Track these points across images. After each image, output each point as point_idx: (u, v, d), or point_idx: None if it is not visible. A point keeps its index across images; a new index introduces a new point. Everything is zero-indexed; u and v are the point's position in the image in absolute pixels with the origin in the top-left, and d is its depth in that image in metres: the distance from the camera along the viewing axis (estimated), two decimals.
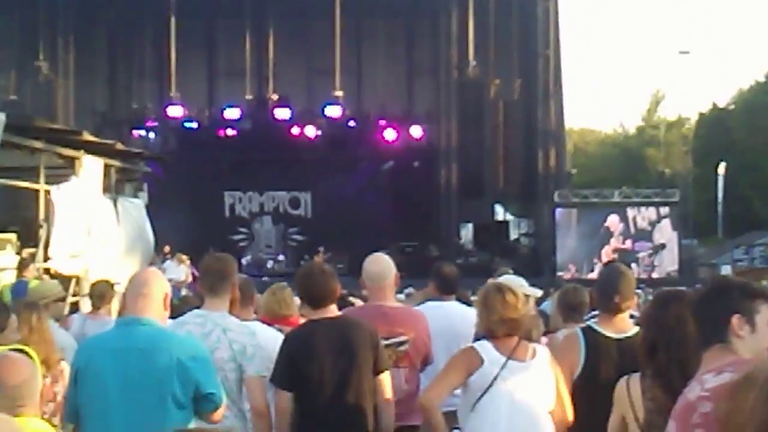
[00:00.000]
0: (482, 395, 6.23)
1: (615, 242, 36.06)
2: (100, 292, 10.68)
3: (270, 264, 36.73)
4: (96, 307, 10.68)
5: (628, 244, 36.04)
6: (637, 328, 6.31)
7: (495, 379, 6.21)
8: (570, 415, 6.33)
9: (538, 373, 6.25)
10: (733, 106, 68.29)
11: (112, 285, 11.14)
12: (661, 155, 58.17)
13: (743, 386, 2.42)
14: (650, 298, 13.71)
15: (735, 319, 3.95)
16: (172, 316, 8.26)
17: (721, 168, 49.71)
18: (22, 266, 15.06)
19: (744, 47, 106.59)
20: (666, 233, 36.39)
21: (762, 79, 65.50)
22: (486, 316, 6.37)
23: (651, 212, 36.51)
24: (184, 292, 18.67)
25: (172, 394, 5.60)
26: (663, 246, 36.22)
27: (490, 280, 7.34)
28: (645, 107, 79.20)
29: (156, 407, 5.58)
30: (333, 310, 6.74)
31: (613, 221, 36.24)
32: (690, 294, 5.49)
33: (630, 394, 5.30)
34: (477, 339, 6.65)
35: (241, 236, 39.03)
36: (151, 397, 5.59)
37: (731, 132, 62.11)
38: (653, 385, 5.18)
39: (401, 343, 7.18)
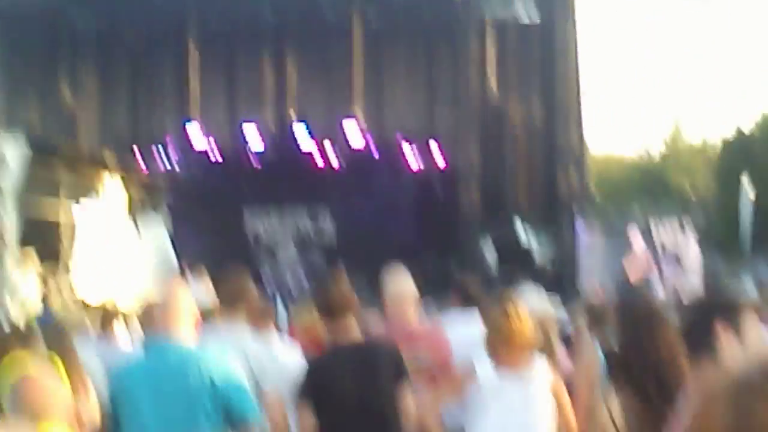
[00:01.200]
0: (478, 409, 6.23)
1: (642, 262, 35.86)
2: (103, 318, 10.48)
3: (292, 286, 36.65)
4: (104, 331, 10.38)
5: (655, 265, 35.86)
6: None
7: (491, 393, 6.21)
8: (573, 424, 6.32)
9: (535, 388, 6.23)
10: (756, 131, 67.99)
11: (114, 308, 10.98)
12: (686, 180, 57.97)
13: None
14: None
15: (718, 324, 3.90)
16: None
17: (745, 180, 49.03)
18: (50, 294, 15.07)
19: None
20: (693, 253, 36.23)
21: None
22: (489, 336, 6.38)
23: (679, 234, 36.31)
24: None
25: (205, 414, 5.59)
26: (694, 268, 36.05)
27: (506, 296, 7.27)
28: (668, 132, 79.04)
29: (190, 428, 5.54)
30: (351, 322, 6.67)
31: (638, 241, 36.07)
32: (654, 302, 5.45)
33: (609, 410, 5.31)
34: None
35: (263, 261, 38.97)
36: (184, 418, 5.57)
37: (756, 158, 61.79)
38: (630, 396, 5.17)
39: (424, 363, 7.14)
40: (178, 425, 5.57)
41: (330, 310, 6.55)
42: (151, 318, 5.94)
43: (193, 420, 5.57)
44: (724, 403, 1.69)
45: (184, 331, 5.77)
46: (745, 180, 47.19)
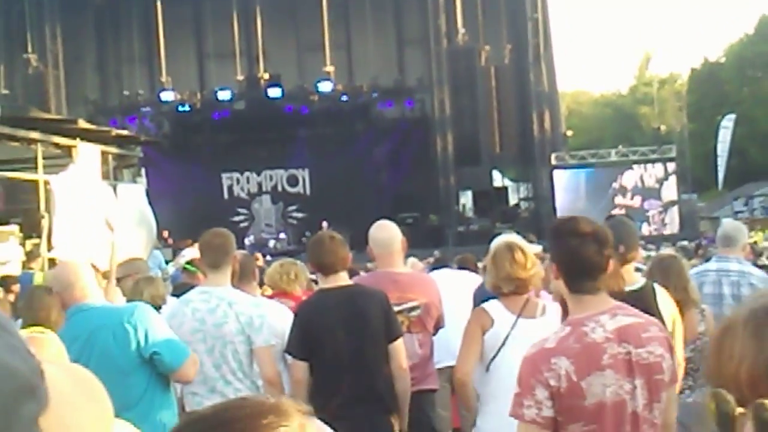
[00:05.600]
0: (495, 355, 6.18)
1: (623, 200, 36.10)
2: None
3: (272, 243, 36.67)
4: None
5: (637, 201, 36.09)
6: (644, 281, 6.26)
7: (506, 338, 6.15)
8: None
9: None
10: (724, 60, 68.24)
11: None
12: (655, 112, 58.08)
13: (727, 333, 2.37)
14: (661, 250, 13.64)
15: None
16: (176, 294, 8.31)
17: (728, 120, 49.19)
18: (30, 258, 15.06)
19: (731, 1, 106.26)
20: (673, 190, 36.46)
21: (751, 32, 65.45)
22: (495, 274, 6.29)
23: (658, 169, 36.53)
24: None
25: (133, 368, 5.74)
26: (673, 203, 36.28)
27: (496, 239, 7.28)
28: (636, 66, 79.25)
29: (121, 384, 5.63)
30: (344, 278, 6.72)
31: (628, 179, 36.31)
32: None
33: None
34: (484, 299, 6.60)
35: (241, 217, 39.02)
36: (114, 376, 5.63)
37: (723, 85, 62.10)
38: None
39: (413, 309, 7.16)
40: (109, 383, 5.70)
41: (325, 269, 6.61)
42: (68, 293, 5.99)
43: (123, 377, 5.70)
44: (743, 330, 1.76)
45: (99, 297, 5.94)
46: (727, 120, 47.19)
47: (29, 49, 37.55)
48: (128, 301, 7.29)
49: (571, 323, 4.19)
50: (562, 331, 4.18)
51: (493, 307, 6.25)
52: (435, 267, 10.41)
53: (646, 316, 4.26)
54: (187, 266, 9.81)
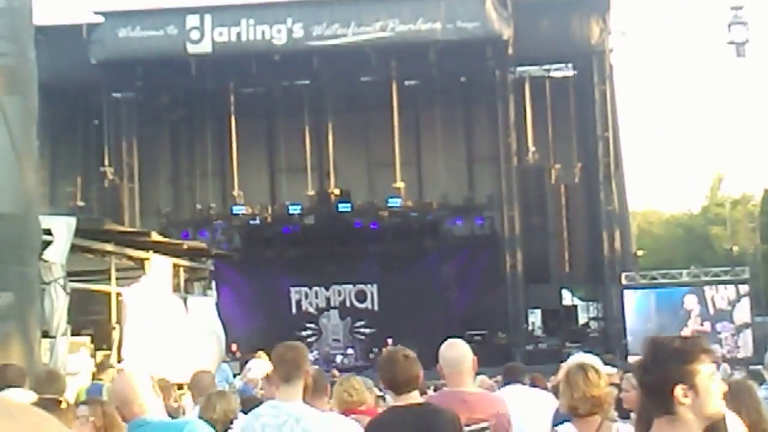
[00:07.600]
0: None
1: (693, 323, 35.60)
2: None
3: (339, 358, 36.58)
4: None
5: (707, 325, 35.56)
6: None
7: None
8: None
9: None
10: None
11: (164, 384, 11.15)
12: (727, 233, 57.53)
13: None
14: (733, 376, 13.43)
15: (678, 390, 3.91)
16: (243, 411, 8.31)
17: None
18: (100, 369, 15.13)
19: None
20: (746, 312, 35.91)
21: None
22: (569, 394, 6.21)
23: (730, 291, 36.06)
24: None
25: None
26: (746, 325, 35.71)
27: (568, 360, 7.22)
28: (708, 186, 78.64)
29: None
30: (416, 396, 6.67)
31: (690, 302, 35.83)
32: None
33: None
34: (558, 422, 6.51)
35: (308, 332, 38.95)
36: None
37: None
38: None
39: (482, 430, 7.09)
40: None
41: (398, 388, 6.55)
42: (127, 409, 6.06)
43: None
44: None
45: (157, 408, 5.99)
46: None
47: (106, 162, 38.28)
48: (200, 416, 7.30)
49: None
50: None
51: (567, 430, 6.15)
52: (507, 382, 10.23)
53: None
54: None
